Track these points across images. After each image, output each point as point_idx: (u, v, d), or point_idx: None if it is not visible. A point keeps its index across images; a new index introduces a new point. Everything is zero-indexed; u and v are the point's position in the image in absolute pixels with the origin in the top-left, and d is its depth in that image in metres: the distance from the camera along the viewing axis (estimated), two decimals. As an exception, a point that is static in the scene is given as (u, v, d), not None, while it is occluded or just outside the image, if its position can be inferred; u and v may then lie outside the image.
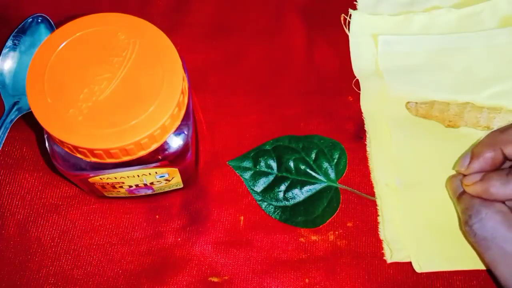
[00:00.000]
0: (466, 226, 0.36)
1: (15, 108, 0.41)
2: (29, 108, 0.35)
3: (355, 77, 0.44)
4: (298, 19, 0.46)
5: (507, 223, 0.34)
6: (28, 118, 0.41)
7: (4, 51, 0.42)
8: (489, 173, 0.36)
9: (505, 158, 0.36)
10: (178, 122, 0.31)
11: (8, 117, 0.40)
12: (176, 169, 0.34)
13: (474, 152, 0.37)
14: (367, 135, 0.42)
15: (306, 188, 0.40)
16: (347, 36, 0.45)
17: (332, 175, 0.40)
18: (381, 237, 0.39)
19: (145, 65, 0.30)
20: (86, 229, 0.39)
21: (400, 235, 0.38)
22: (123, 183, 0.34)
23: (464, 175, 0.37)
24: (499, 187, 0.34)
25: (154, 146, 0.30)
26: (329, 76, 0.44)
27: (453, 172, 0.40)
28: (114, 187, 0.35)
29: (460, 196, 0.37)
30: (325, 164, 0.41)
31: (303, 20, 0.46)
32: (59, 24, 0.35)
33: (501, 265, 0.34)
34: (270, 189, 0.40)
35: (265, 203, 0.40)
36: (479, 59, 0.43)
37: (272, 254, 0.38)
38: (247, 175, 0.40)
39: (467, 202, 0.36)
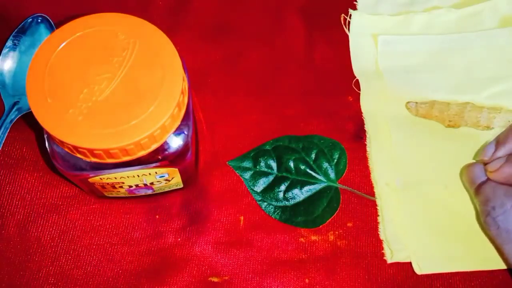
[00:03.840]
0: (488, 217, 0.35)
1: (15, 108, 0.41)
2: (29, 108, 0.35)
3: (355, 77, 0.44)
4: (298, 19, 0.46)
5: None
6: (28, 118, 0.41)
7: (4, 51, 0.42)
8: None
9: None
10: (178, 122, 0.31)
11: (8, 117, 0.40)
12: (176, 169, 0.34)
13: (499, 140, 0.37)
14: (367, 135, 0.42)
15: (306, 188, 0.40)
16: (347, 36, 0.45)
17: (332, 175, 0.40)
18: (381, 237, 0.39)
19: (145, 65, 0.30)
20: (86, 229, 0.39)
21: (400, 235, 0.38)
22: (123, 183, 0.34)
23: (486, 164, 0.37)
24: None
25: (154, 146, 0.30)
26: (329, 76, 0.44)
27: (453, 171, 0.40)
28: (114, 187, 0.35)
29: (480, 186, 0.36)
30: (325, 164, 0.41)
31: (303, 20, 0.46)
32: (59, 24, 0.35)
33: None
34: (270, 189, 0.40)
35: (265, 203, 0.40)
36: (479, 59, 0.43)
37: (272, 254, 0.38)
38: (247, 175, 0.40)
39: (490, 193, 0.35)
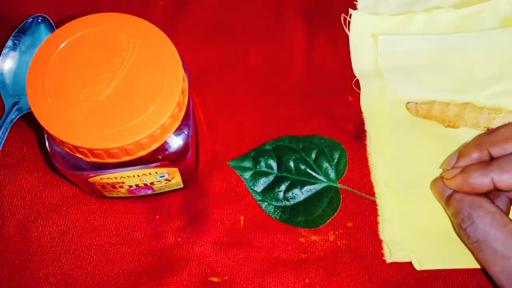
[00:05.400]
0: (460, 229, 0.36)
1: (15, 108, 0.41)
2: (29, 108, 0.35)
3: (355, 77, 0.44)
4: (298, 19, 0.46)
5: (496, 223, 0.34)
6: (28, 118, 0.41)
7: (4, 51, 0.42)
8: (469, 165, 0.36)
9: (492, 159, 0.36)
10: (178, 122, 0.31)
11: (8, 117, 0.40)
12: (176, 169, 0.34)
13: (461, 152, 0.38)
14: (367, 135, 0.42)
15: (306, 188, 0.40)
16: (347, 36, 0.45)
17: (332, 175, 0.40)
18: (381, 237, 0.39)
19: (145, 65, 0.30)
20: (86, 229, 0.39)
21: (399, 235, 0.38)
22: (123, 183, 0.34)
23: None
24: (478, 178, 0.35)
25: (154, 146, 0.30)
26: (329, 76, 0.44)
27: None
28: (114, 187, 0.35)
29: (448, 200, 0.37)
30: (325, 164, 0.41)
31: (303, 20, 0.46)
32: (59, 24, 0.35)
33: (493, 265, 0.35)
34: (270, 189, 0.40)
35: (265, 203, 0.40)
36: (479, 59, 0.43)
37: (272, 254, 0.38)
38: (247, 175, 0.40)
39: (457, 206, 0.36)
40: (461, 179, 0.36)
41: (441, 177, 0.38)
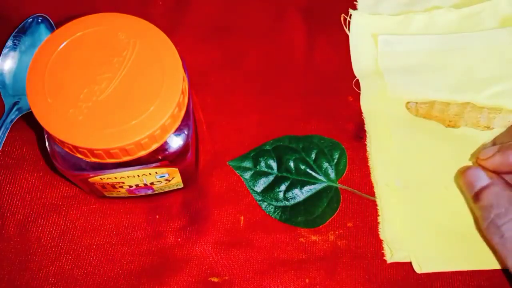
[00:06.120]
0: (492, 224, 0.34)
1: (15, 108, 0.41)
2: (29, 108, 0.35)
3: (355, 77, 0.44)
4: (298, 19, 0.46)
5: None
6: (28, 118, 0.41)
7: (4, 51, 0.42)
8: (507, 143, 0.35)
9: None
10: (178, 122, 0.31)
11: (8, 117, 0.40)
12: (176, 169, 0.34)
13: (496, 141, 0.37)
14: (367, 135, 0.42)
15: (306, 188, 0.40)
16: (347, 36, 0.45)
17: (332, 175, 0.40)
18: (381, 237, 0.39)
19: (145, 65, 0.30)
20: (86, 229, 0.39)
21: (400, 235, 0.38)
22: (123, 183, 0.34)
23: (478, 162, 0.37)
24: None
25: (154, 146, 0.30)
26: (329, 76, 0.44)
27: (453, 172, 0.40)
28: (114, 187, 0.35)
29: (481, 191, 0.35)
30: (325, 164, 0.41)
31: (303, 20, 0.46)
32: (59, 24, 0.35)
33: None
34: (270, 189, 0.40)
35: (265, 203, 0.40)
36: (479, 59, 0.43)
37: (272, 254, 0.38)
38: (247, 175, 0.40)
39: (493, 199, 0.34)
40: (500, 157, 0.34)
41: (473, 167, 0.37)
